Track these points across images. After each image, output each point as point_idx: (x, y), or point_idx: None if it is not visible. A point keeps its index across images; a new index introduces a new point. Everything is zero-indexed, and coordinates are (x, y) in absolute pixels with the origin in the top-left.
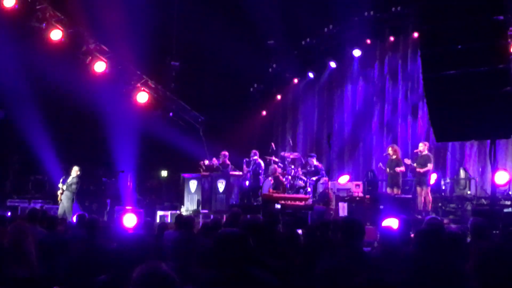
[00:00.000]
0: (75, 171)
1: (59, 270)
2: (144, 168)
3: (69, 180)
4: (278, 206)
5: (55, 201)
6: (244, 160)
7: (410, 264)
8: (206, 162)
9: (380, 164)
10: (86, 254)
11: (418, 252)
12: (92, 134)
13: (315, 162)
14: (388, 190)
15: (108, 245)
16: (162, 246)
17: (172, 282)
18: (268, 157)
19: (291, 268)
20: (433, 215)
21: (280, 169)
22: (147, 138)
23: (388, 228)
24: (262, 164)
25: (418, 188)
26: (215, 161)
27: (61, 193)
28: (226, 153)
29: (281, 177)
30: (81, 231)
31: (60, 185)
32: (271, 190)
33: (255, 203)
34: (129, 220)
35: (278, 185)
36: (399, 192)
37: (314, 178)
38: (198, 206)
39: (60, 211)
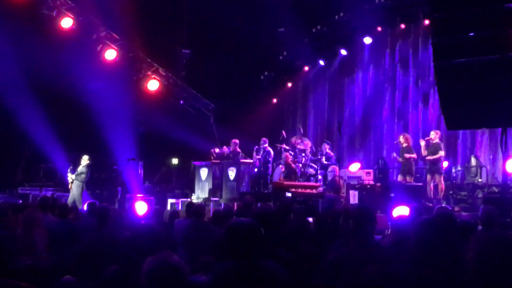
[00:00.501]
0: (85, 160)
1: (70, 259)
2: (154, 156)
3: (79, 169)
4: (289, 194)
5: (66, 189)
6: (255, 148)
7: (415, 253)
8: (217, 150)
9: (394, 154)
10: (96, 242)
11: (423, 241)
12: (103, 123)
13: (327, 149)
14: (400, 178)
15: (120, 233)
16: (173, 234)
17: (183, 273)
18: (279, 145)
19: (301, 258)
20: (444, 204)
21: (291, 156)
22: (157, 126)
23: (400, 217)
24: (272, 151)
25: (429, 176)
26: (225, 149)
27: (71, 182)
28: (237, 141)
29: (293, 164)
30: (92, 219)
31: (69, 175)
32: (281, 178)
33: (265, 191)
34: (140, 207)
35: (289, 173)
36: (412, 180)
37: (324, 162)
38: (209, 194)
39: (70, 199)
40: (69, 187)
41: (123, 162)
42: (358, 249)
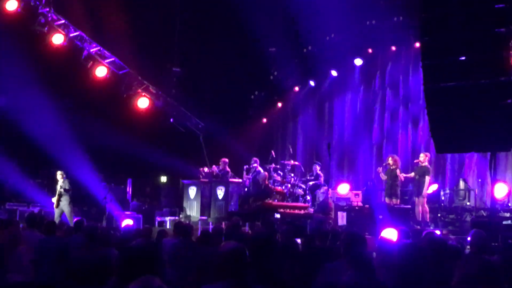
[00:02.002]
0: (60, 175)
1: (57, 276)
2: (143, 174)
3: (63, 185)
4: (277, 215)
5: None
6: (244, 167)
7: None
8: (206, 169)
9: (380, 168)
10: (84, 260)
11: (408, 265)
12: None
13: (318, 170)
14: (387, 199)
15: (108, 251)
16: (160, 254)
17: None
18: (268, 165)
19: (290, 279)
20: (432, 226)
21: (279, 177)
22: (146, 143)
23: (385, 239)
24: (262, 172)
25: (416, 199)
26: (215, 168)
27: (58, 199)
28: (226, 160)
29: (270, 185)
30: (80, 237)
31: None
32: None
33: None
34: (127, 225)
35: (268, 193)
36: (398, 202)
37: (311, 183)
38: (197, 212)
39: (57, 216)
40: (55, 205)
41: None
42: (349, 271)
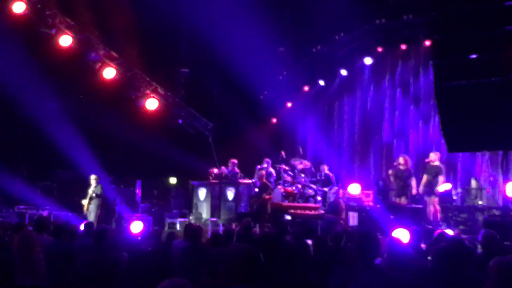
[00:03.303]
0: (94, 179)
1: (68, 279)
2: (153, 175)
3: (95, 190)
4: (288, 217)
5: (61, 208)
6: (257, 167)
7: (428, 280)
8: (215, 170)
9: (390, 171)
10: (94, 263)
11: (437, 269)
12: (101, 141)
13: (326, 170)
14: (397, 199)
15: (117, 254)
16: (170, 256)
17: None
18: (278, 166)
19: (302, 282)
20: (444, 226)
21: (289, 177)
22: (156, 145)
23: (397, 241)
24: (274, 173)
25: (427, 198)
26: (224, 169)
27: (88, 203)
28: (235, 161)
29: (267, 182)
30: (89, 240)
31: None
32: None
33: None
34: (136, 227)
35: (264, 189)
36: (409, 201)
37: (325, 189)
38: (207, 214)
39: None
40: (85, 208)
41: (114, 190)
42: (363, 274)
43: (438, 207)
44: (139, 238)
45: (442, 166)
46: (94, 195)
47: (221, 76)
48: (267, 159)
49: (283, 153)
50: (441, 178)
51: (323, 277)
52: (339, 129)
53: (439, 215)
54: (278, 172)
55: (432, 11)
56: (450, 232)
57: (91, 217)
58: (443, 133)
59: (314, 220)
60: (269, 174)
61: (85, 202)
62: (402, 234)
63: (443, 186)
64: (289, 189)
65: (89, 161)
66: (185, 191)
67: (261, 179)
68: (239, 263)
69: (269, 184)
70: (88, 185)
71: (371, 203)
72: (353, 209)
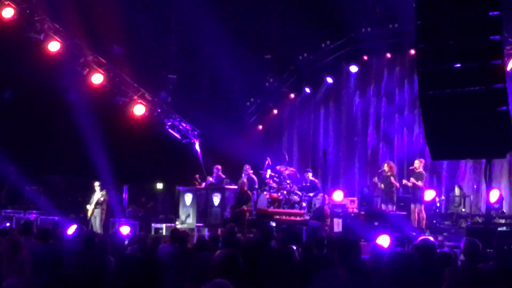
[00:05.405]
0: (98, 186)
1: (52, 284)
2: (140, 181)
3: (101, 195)
4: (273, 223)
5: (48, 212)
6: (242, 175)
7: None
8: (197, 177)
9: (376, 178)
10: (81, 267)
11: (398, 273)
12: (88, 146)
13: (310, 177)
14: (383, 206)
15: (105, 258)
16: (156, 261)
17: None
18: (264, 172)
19: (286, 286)
20: (428, 233)
21: (275, 183)
22: (142, 150)
23: (380, 247)
24: (256, 179)
25: (412, 205)
26: (208, 180)
27: (94, 208)
28: (219, 166)
29: (249, 192)
30: (76, 244)
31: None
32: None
33: (249, 217)
34: (123, 231)
35: (244, 200)
36: (394, 208)
37: (311, 194)
38: (193, 219)
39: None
40: (89, 213)
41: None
42: (346, 278)
43: (423, 214)
44: (125, 243)
45: (424, 173)
46: (102, 199)
47: (208, 82)
48: (246, 166)
49: (268, 159)
50: (420, 183)
51: (307, 282)
52: (325, 136)
53: (423, 222)
54: (263, 178)
55: (417, 20)
56: (431, 239)
57: (97, 222)
58: (427, 140)
59: (299, 226)
60: (251, 180)
61: (90, 207)
62: (385, 241)
63: (428, 194)
64: (275, 195)
65: (76, 166)
66: (171, 196)
67: (242, 187)
68: (219, 267)
69: (250, 194)
70: (75, 189)
71: (355, 210)
72: (338, 215)
